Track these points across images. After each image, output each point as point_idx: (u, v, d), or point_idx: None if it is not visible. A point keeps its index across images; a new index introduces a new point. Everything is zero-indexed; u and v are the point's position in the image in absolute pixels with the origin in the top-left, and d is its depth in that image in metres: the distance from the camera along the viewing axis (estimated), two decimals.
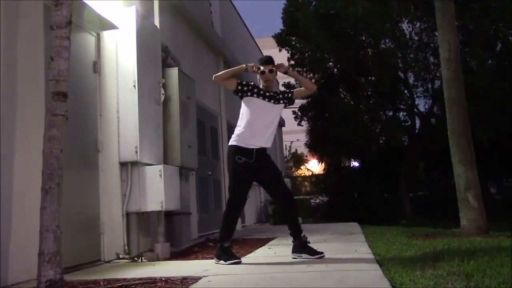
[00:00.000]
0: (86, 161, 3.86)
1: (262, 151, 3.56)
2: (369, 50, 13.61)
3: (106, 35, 4.17)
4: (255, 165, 3.51)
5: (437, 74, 12.33)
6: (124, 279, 2.87)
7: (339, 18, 12.06)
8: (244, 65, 3.71)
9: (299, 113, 14.82)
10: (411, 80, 13.70)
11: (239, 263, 3.44)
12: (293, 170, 21.78)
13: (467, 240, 4.59)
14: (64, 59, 2.56)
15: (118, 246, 4.01)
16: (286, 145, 20.18)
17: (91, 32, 4.04)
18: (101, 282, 2.79)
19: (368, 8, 11.61)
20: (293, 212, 3.70)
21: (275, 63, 3.67)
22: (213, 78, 3.69)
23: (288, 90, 3.83)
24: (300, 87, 3.97)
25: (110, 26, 4.08)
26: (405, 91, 14.04)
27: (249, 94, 3.59)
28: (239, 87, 3.60)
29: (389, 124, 13.74)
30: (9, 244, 2.78)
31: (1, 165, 2.77)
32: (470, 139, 5.61)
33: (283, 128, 15.26)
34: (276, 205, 4.80)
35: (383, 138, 14.72)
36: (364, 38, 13.33)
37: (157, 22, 5.08)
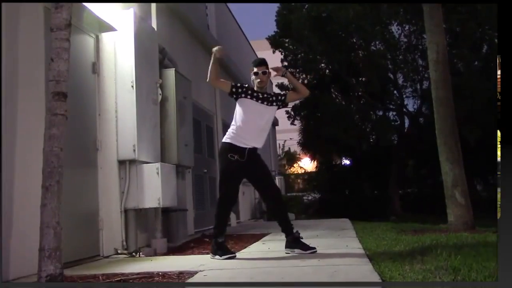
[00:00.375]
0: (86, 160, 3.90)
1: (253, 150, 3.65)
2: (359, 52, 13.76)
3: (105, 37, 4.20)
4: (246, 164, 3.59)
5: (426, 75, 12.50)
6: (123, 274, 2.89)
7: (331, 21, 12.18)
8: (213, 50, 3.54)
9: (292, 113, 14.91)
10: (400, 81, 13.89)
11: (234, 258, 3.51)
12: (286, 168, 21.85)
13: (454, 235, 4.66)
14: (64, 60, 2.58)
15: (116, 242, 4.05)
16: (279, 144, 20.24)
17: (90, 34, 4.08)
18: (100, 277, 2.83)
19: (359, 11, 11.76)
20: (283, 209, 3.78)
21: (272, 66, 3.76)
22: (207, 81, 3.72)
23: (281, 93, 3.90)
24: (293, 89, 4.04)
25: (109, 28, 4.11)
26: (395, 92, 14.22)
27: (243, 95, 3.66)
28: (234, 90, 3.67)
29: (379, 124, 13.91)
30: (11, 240, 2.81)
31: (2, 163, 2.79)
32: (457, 138, 5.71)
33: (276, 127, 15.35)
34: (265, 202, 4.86)
35: (373, 137, 14.90)
36: (355, 40, 13.47)
37: (154, 25, 5.12)
